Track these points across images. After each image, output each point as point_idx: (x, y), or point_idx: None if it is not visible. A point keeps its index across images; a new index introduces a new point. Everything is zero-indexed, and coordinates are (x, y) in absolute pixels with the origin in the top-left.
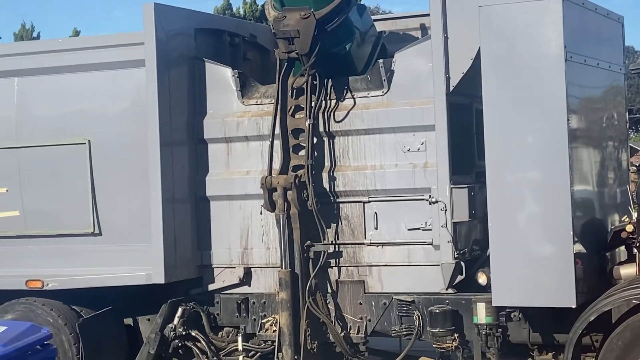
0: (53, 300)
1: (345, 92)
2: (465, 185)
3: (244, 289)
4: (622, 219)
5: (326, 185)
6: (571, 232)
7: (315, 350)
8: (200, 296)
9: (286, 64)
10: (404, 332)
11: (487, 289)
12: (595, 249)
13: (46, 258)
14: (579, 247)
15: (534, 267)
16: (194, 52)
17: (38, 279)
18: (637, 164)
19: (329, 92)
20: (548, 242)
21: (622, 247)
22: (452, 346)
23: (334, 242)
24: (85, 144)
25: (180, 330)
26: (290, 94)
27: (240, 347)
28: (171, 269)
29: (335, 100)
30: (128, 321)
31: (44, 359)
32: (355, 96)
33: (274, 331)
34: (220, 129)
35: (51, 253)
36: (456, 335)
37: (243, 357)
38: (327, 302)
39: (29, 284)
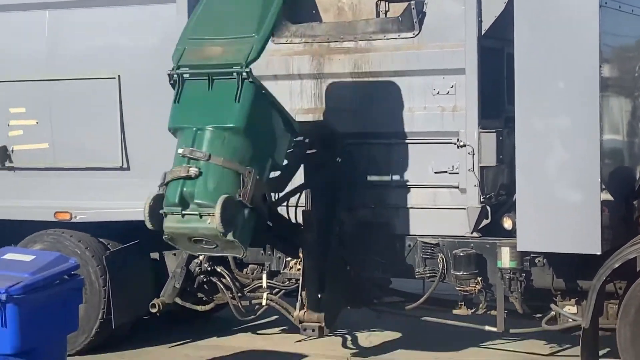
0: (81, 232)
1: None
2: (494, 130)
3: None
4: None
5: (353, 126)
6: (599, 180)
7: (338, 290)
8: None
9: None
10: (428, 275)
11: (512, 233)
12: (623, 197)
13: (75, 191)
14: (606, 195)
15: (560, 213)
16: None
17: (66, 211)
18: None
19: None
20: (575, 188)
21: None
22: (475, 289)
23: (360, 183)
24: (115, 78)
25: (206, 265)
26: None
27: (264, 285)
28: None
29: (365, 42)
30: (154, 255)
31: (72, 288)
32: (385, 37)
33: (299, 269)
34: None
35: (80, 186)
36: (480, 278)
37: (267, 294)
38: (352, 242)
39: (58, 216)
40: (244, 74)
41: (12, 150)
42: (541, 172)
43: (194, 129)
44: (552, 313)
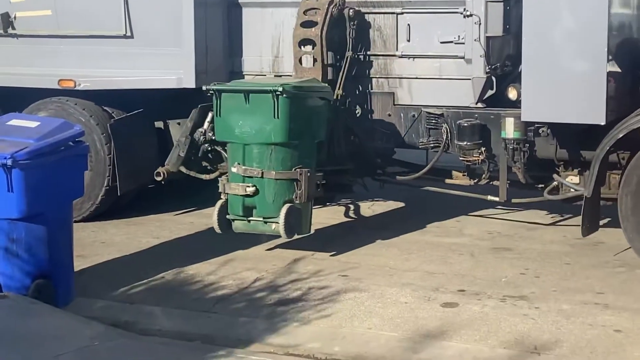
0: (85, 100)
1: None
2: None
3: None
4: None
5: None
6: (605, 50)
7: (344, 156)
8: None
9: None
10: (432, 145)
11: (516, 104)
12: (629, 69)
13: (79, 59)
14: (612, 66)
15: (565, 83)
16: None
17: (70, 79)
18: None
19: None
20: (582, 59)
21: None
22: (478, 159)
23: (365, 53)
24: None
25: (210, 134)
26: None
27: None
28: (202, 74)
29: None
30: (159, 124)
31: (77, 155)
32: None
33: None
34: None
35: (83, 54)
36: (483, 149)
37: None
38: (357, 112)
39: (62, 84)
40: (279, 90)
41: (15, 17)
42: (548, 42)
43: (241, 144)
44: (555, 183)
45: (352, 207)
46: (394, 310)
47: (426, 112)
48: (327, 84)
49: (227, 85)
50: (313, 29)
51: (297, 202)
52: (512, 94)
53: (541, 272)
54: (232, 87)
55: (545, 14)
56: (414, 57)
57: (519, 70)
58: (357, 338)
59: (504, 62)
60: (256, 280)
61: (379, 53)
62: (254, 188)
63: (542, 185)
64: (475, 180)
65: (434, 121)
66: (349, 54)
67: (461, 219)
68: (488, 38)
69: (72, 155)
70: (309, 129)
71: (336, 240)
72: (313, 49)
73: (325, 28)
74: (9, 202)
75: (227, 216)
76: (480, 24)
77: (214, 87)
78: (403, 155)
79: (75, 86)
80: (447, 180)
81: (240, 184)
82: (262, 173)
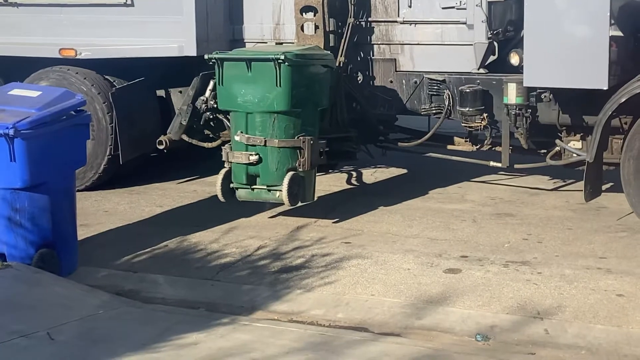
0: (86, 69)
1: None
2: None
3: None
4: None
5: None
6: (608, 15)
7: (346, 124)
8: None
9: None
10: (434, 111)
11: (519, 69)
12: (632, 33)
13: (79, 28)
14: (614, 30)
15: (567, 48)
16: None
17: (71, 48)
18: None
19: None
20: (584, 23)
21: None
22: (480, 125)
23: (366, 19)
24: None
25: (212, 102)
26: None
27: None
28: (203, 42)
29: None
30: (160, 93)
31: (79, 124)
32: None
33: None
34: None
35: (84, 23)
36: (485, 115)
37: None
38: (359, 79)
39: (63, 53)
40: (281, 58)
41: None
42: (550, 6)
43: (244, 112)
44: (557, 148)
45: (354, 174)
46: (397, 277)
47: (428, 78)
48: (329, 52)
49: (229, 53)
50: None
51: (300, 169)
52: (514, 59)
53: (544, 237)
54: (234, 56)
55: None
56: (415, 23)
57: (521, 35)
58: (360, 304)
59: (506, 28)
60: (259, 248)
61: (380, 19)
62: (257, 156)
63: (545, 151)
64: (478, 146)
65: (435, 87)
66: (350, 20)
67: (463, 185)
68: (490, 3)
69: (74, 124)
70: (312, 97)
71: (339, 207)
72: (315, 15)
73: None
74: (12, 172)
75: (231, 185)
76: None
77: (216, 56)
78: (405, 122)
79: (76, 55)
80: (450, 147)
81: (244, 152)
82: (265, 141)
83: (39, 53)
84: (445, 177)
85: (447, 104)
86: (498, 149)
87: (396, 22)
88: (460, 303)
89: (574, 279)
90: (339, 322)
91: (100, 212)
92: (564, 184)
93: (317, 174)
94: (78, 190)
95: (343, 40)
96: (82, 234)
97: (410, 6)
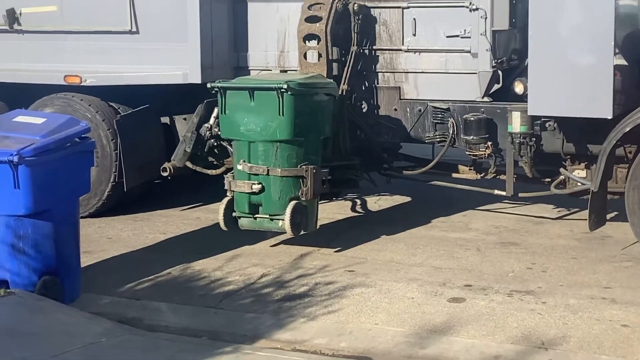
0: (91, 96)
1: None
2: None
3: None
4: None
5: None
6: (612, 44)
7: (349, 152)
8: None
9: None
10: (438, 139)
11: (523, 98)
12: (636, 62)
13: (84, 55)
14: (619, 59)
15: (572, 77)
16: None
17: (76, 75)
18: None
19: None
20: (588, 52)
21: None
22: (485, 154)
23: (370, 47)
24: None
25: (216, 130)
26: None
27: None
28: (207, 69)
29: None
30: (165, 120)
31: (83, 151)
32: None
33: None
34: None
35: (89, 50)
36: (489, 143)
37: None
38: (363, 107)
39: (68, 79)
40: (283, 87)
41: (20, 13)
42: (554, 35)
43: (247, 141)
44: (561, 177)
45: (358, 201)
46: (401, 306)
47: (432, 106)
48: (332, 80)
49: (232, 82)
50: (317, 24)
51: (303, 199)
52: (518, 88)
53: (548, 266)
54: (237, 85)
55: (551, 7)
56: (420, 52)
57: (525, 64)
58: (363, 334)
59: (510, 56)
60: (262, 276)
61: (384, 47)
62: (259, 185)
63: (549, 179)
64: (482, 175)
65: (440, 115)
66: (353, 48)
67: (467, 213)
68: (494, 32)
69: (78, 151)
70: (315, 126)
71: (342, 235)
72: (318, 44)
73: (329, 23)
74: (16, 199)
75: (233, 213)
76: (486, 17)
77: (219, 85)
78: (409, 150)
79: (81, 82)
80: (454, 175)
81: (246, 181)
82: (268, 170)
83: (44, 80)
84: (449, 205)
85: (451, 132)
86: (502, 177)
87: (400, 50)
88: (465, 332)
89: (579, 308)
90: (342, 352)
91: (103, 238)
92: (568, 212)
93: (320, 202)
94: (82, 217)
95: (346, 68)
96: (85, 260)
97: (414, 34)
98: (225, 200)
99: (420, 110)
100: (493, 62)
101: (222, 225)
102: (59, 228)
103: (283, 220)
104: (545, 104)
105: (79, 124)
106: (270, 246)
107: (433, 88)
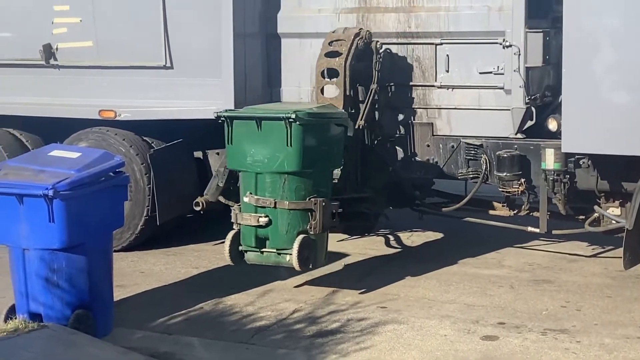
0: (125, 130)
1: None
2: (541, 30)
3: None
4: None
5: (397, 26)
6: None
7: (380, 190)
8: None
9: None
10: (471, 175)
11: (556, 135)
12: None
13: (119, 89)
14: None
15: (606, 114)
16: None
17: (111, 109)
18: None
19: None
20: (623, 89)
21: None
22: (518, 190)
23: (393, 84)
24: None
25: None
26: None
27: None
28: (241, 104)
29: None
30: (198, 154)
31: (117, 185)
32: None
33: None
34: None
35: (124, 85)
36: (523, 180)
37: None
38: (395, 143)
39: (102, 114)
40: (292, 117)
41: (57, 48)
42: (588, 72)
43: (254, 172)
44: (596, 215)
45: (391, 237)
46: (434, 343)
47: (465, 142)
48: (343, 110)
49: (239, 111)
50: (337, 59)
51: (312, 232)
52: (552, 124)
53: (582, 304)
54: (244, 114)
55: (585, 45)
56: (453, 88)
57: (559, 100)
58: None
59: (544, 93)
60: (294, 312)
61: (417, 83)
62: (266, 219)
63: (583, 217)
64: (515, 211)
65: (473, 152)
66: (373, 86)
67: (500, 250)
68: (527, 68)
69: (112, 185)
70: (324, 157)
71: (375, 271)
72: (337, 78)
73: (349, 58)
74: (50, 233)
75: (240, 247)
76: (519, 54)
77: (225, 114)
78: (441, 186)
79: (115, 116)
80: (487, 211)
81: (253, 214)
82: (275, 203)
83: (79, 114)
84: (482, 242)
85: (484, 168)
86: (536, 214)
87: (434, 86)
88: None
89: (614, 348)
90: None
91: (136, 272)
92: (602, 250)
93: (352, 238)
94: (114, 251)
95: (365, 104)
96: (118, 294)
97: (447, 71)
98: (231, 233)
99: (453, 147)
100: (526, 98)
101: (227, 259)
102: (93, 262)
103: (291, 255)
104: (580, 141)
105: (113, 158)
106: (303, 281)
107: (466, 124)
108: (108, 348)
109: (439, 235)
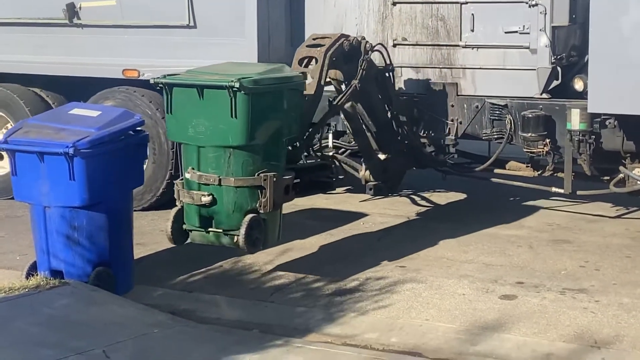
0: (152, 91)
1: None
2: None
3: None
4: None
5: None
6: None
7: (405, 150)
8: None
9: None
10: (495, 136)
11: (582, 95)
12: None
13: (142, 49)
14: None
15: (633, 74)
16: None
17: (134, 69)
18: None
19: None
20: None
21: None
22: (543, 151)
23: (428, 43)
24: None
25: None
26: None
27: (330, 144)
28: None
29: None
30: None
31: (137, 144)
32: None
33: None
34: None
35: (147, 44)
36: (548, 140)
37: (333, 153)
38: (419, 103)
39: (126, 73)
40: (235, 86)
41: (80, 7)
42: (615, 31)
43: (196, 146)
44: (621, 175)
45: (414, 197)
46: (452, 302)
47: (490, 102)
48: (298, 72)
49: (178, 77)
50: (318, 48)
51: (262, 211)
52: (578, 85)
53: (601, 264)
54: (184, 81)
55: (613, 3)
56: (477, 47)
57: (585, 60)
58: (414, 329)
59: (570, 52)
60: (313, 271)
61: (442, 43)
62: (210, 197)
63: (608, 178)
64: (540, 172)
65: (497, 112)
66: (355, 81)
67: (521, 210)
68: (554, 28)
69: (132, 144)
70: (276, 127)
71: (394, 230)
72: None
73: (331, 49)
74: (71, 191)
75: (184, 226)
76: (545, 13)
77: (163, 80)
78: (466, 146)
79: (139, 76)
80: (511, 172)
81: (196, 192)
82: (220, 180)
83: (102, 73)
84: (503, 203)
85: (508, 129)
86: (560, 175)
87: (458, 45)
88: (516, 330)
89: (632, 307)
90: (392, 347)
91: (156, 231)
92: (626, 211)
93: (374, 198)
94: (135, 210)
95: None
96: (138, 252)
97: (472, 30)
98: (174, 210)
99: (477, 107)
100: (552, 58)
101: (170, 240)
102: (113, 220)
103: (238, 236)
104: (606, 101)
105: (133, 117)
106: (323, 240)
107: (491, 84)
108: (129, 305)
109: (461, 196)
